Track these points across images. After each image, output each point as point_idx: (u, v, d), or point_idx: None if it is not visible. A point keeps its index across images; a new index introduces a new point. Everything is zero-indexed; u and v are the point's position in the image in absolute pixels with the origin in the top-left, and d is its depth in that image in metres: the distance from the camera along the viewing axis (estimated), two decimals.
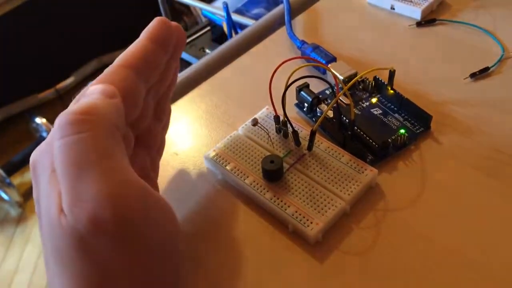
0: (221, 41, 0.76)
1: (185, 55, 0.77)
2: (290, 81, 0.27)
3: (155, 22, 0.23)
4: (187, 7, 1.34)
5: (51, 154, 0.18)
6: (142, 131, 0.23)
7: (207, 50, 0.76)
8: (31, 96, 1.53)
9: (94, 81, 0.21)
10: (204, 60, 0.39)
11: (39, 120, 1.31)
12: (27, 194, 1.33)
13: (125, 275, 0.17)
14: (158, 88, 0.24)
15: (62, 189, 0.17)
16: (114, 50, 1.63)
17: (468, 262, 0.24)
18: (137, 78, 0.21)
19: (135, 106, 0.21)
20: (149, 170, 0.24)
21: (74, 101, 0.21)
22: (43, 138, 1.28)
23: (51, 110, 1.49)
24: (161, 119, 0.26)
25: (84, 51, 1.60)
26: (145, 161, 0.24)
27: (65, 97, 1.54)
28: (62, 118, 0.18)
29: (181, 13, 1.38)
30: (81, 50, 1.58)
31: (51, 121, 1.31)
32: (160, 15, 0.84)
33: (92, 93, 0.19)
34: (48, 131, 1.30)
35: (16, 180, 1.32)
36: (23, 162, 1.32)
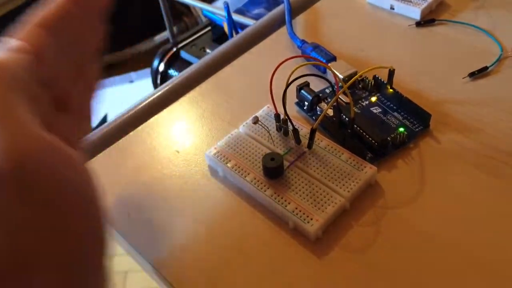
0: (222, 41, 0.76)
1: (186, 55, 0.77)
2: (290, 80, 0.28)
3: None
4: (187, 7, 1.35)
5: None
6: (60, 93, 0.22)
7: (208, 50, 0.77)
8: None
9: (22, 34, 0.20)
10: (205, 59, 0.39)
11: None
12: None
13: (29, 229, 0.16)
14: (78, 49, 0.23)
15: None
16: (114, 50, 1.64)
17: (465, 258, 0.24)
18: (50, 36, 0.20)
19: (47, 64, 0.20)
20: (70, 135, 0.21)
21: None
22: None
23: None
24: (85, 83, 0.24)
25: None
26: (64, 125, 0.22)
27: None
28: None
29: (181, 14, 1.38)
30: None
31: None
32: (161, 15, 0.84)
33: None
34: None
35: None
36: None
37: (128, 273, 1.05)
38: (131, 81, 1.41)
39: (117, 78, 1.43)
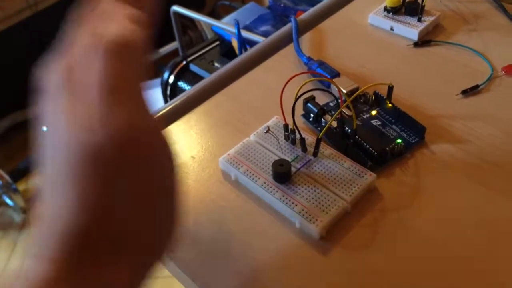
0: (229, 55, 0.79)
1: (195, 68, 0.80)
2: (299, 94, 0.31)
3: None
4: (192, 21, 1.38)
5: (76, 72, 0.19)
6: None
7: (216, 64, 0.80)
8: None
9: None
10: (218, 72, 0.42)
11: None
12: (32, 200, 1.35)
13: (127, 198, 0.18)
14: None
15: (91, 109, 0.18)
16: None
17: (456, 257, 0.27)
18: None
19: None
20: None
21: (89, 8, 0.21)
22: None
23: None
24: None
25: None
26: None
27: None
28: (103, 43, 0.19)
29: (186, 28, 1.41)
30: None
31: None
32: (170, 29, 0.87)
33: (125, 17, 0.20)
34: None
35: (21, 186, 1.35)
36: (29, 169, 1.35)
37: None
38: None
39: None
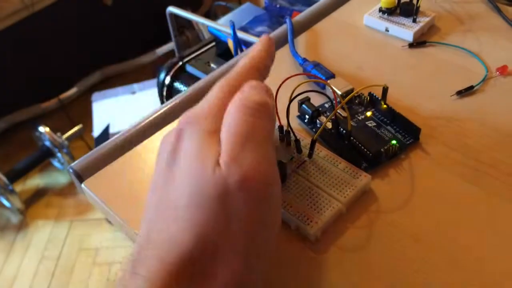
0: (226, 56, 0.79)
1: (191, 69, 0.80)
2: (293, 95, 0.31)
3: (265, 39, 0.30)
4: (189, 22, 1.38)
5: (215, 119, 0.23)
6: None
7: (213, 65, 0.80)
8: (34, 106, 1.56)
9: (242, 73, 0.27)
10: (213, 74, 0.42)
11: (42, 129, 1.33)
12: (28, 201, 1.35)
13: (242, 232, 0.21)
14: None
15: (227, 148, 0.22)
16: (116, 62, 1.67)
17: (450, 258, 0.27)
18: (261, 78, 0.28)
19: None
20: None
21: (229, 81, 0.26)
22: (45, 147, 1.28)
23: (54, 119, 1.52)
24: None
25: (88, 63, 1.63)
26: None
27: (67, 107, 1.57)
28: (242, 100, 0.23)
29: (183, 28, 1.41)
30: (85, 61, 1.62)
31: (54, 130, 1.34)
32: (167, 29, 0.87)
33: (259, 88, 0.25)
34: (50, 140, 1.32)
35: (18, 187, 1.35)
36: (26, 170, 1.35)
37: None
38: (133, 92, 1.44)
39: (119, 89, 1.46)
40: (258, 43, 0.29)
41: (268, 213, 0.23)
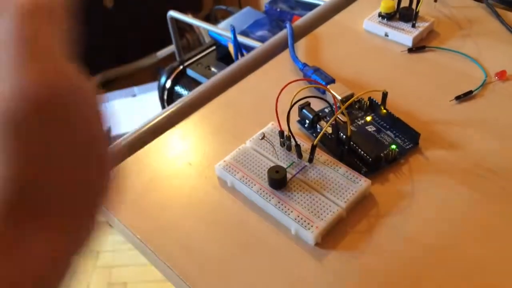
0: (226, 60, 0.80)
1: (192, 73, 0.81)
2: (294, 101, 0.31)
3: None
4: (190, 25, 1.39)
5: None
6: None
7: (213, 69, 0.80)
8: None
9: None
10: (214, 79, 0.42)
11: None
12: None
13: (50, 160, 0.17)
14: None
15: (5, 74, 0.17)
16: (117, 65, 1.67)
17: (451, 262, 0.27)
18: None
19: None
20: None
21: None
22: None
23: None
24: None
25: (87, 66, 1.63)
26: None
27: None
28: (17, 2, 0.18)
29: (184, 31, 1.42)
30: (84, 65, 1.62)
31: None
32: (167, 32, 0.88)
33: None
34: None
35: None
36: None
37: (128, 285, 1.07)
38: (134, 95, 1.44)
39: (120, 92, 1.46)
40: None
41: (85, 138, 0.18)
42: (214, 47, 0.83)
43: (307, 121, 0.35)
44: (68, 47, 0.19)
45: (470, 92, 0.37)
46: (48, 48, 0.18)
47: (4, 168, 0.17)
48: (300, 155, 0.32)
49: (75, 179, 0.18)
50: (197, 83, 0.77)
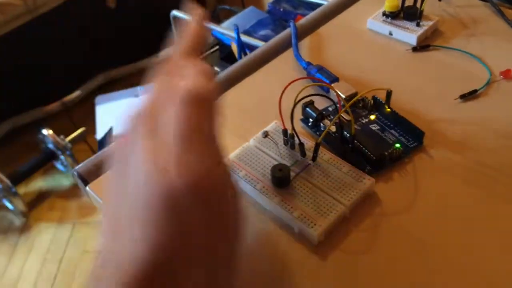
0: (229, 60, 0.79)
1: None
2: (298, 99, 0.31)
3: (197, 11, 0.26)
4: None
5: (156, 118, 0.20)
6: None
7: (216, 68, 0.80)
8: (38, 108, 1.56)
9: (182, 52, 0.24)
10: (217, 77, 0.42)
11: (46, 132, 1.34)
12: (31, 203, 1.36)
13: (196, 239, 0.19)
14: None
15: (170, 153, 0.19)
16: (120, 65, 1.67)
17: (453, 261, 0.27)
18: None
19: None
20: None
21: (166, 68, 0.23)
22: (49, 149, 1.28)
23: (57, 122, 1.53)
24: None
25: (91, 66, 1.64)
26: None
27: (71, 110, 1.57)
28: (181, 93, 0.20)
29: None
30: (88, 64, 1.62)
31: (57, 132, 1.34)
32: (167, 31, 0.88)
33: (200, 73, 0.22)
34: (54, 143, 1.32)
35: (21, 189, 1.35)
36: (29, 172, 1.35)
37: None
38: (137, 95, 1.44)
39: (123, 92, 1.46)
40: (192, 18, 0.26)
41: (224, 217, 0.21)
42: (217, 47, 0.83)
43: (311, 120, 0.35)
44: (219, 133, 0.21)
45: (475, 91, 0.37)
46: (208, 137, 0.20)
47: (153, 240, 0.18)
48: (303, 154, 0.32)
49: (212, 256, 0.20)
50: None
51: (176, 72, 0.22)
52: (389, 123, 0.35)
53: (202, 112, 0.20)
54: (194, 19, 0.26)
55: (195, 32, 0.25)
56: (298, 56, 0.42)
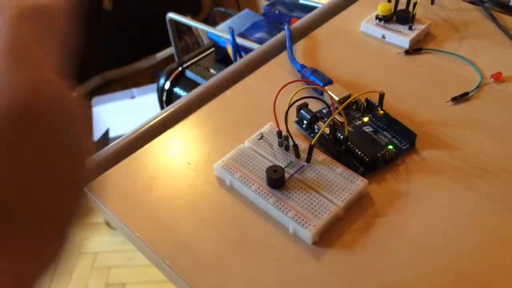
0: (225, 62, 0.80)
1: (190, 74, 0.81)
2: (292, 101, 0.31)
3: None
4: (188, 27, 1.39)
5: None
6: None
7: (212, 70, 0.81)
8: None
9: None
10: (213, 80, 0.42)
11: None
12: None
13: (22, 169, 0.17)
14: None
15: None
16: (116, 67, 1.68)
17: (446, 261, 0.28)
18: None
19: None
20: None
21: None
22: None
23: None
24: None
25: (87, 68, 1.64)
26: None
27: None
28: (14, 4, 0.18)
29: (183, 33, 1.42)
30: (84, 66, 1.62)
31: None
32: (166, 34, 0.88)
33: None
34: None
35: None
36: None
37: (126, 286, 1.07)
38: (133, 97, 1.44)
39: (118, 93, 1.46)
40: None
41: (53, 145, 0.17)
42: (213, 49, 0.83)
43: (305, 122, 0.36)
44: (61, 53, 0.19)
45: (466, 93, 0.38)
46: (37, 54, 0.18)
47: None
48: (298, 155, 0.33)
49: (47, 196, 0.17)
50: (196, 84, 0.77)
51: None
52: (382, 125, 0.35)
53: (37, 27, 0.18)
54: None
55: None
56: (292, 59, 0.42)
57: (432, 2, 0.48)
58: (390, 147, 0.33)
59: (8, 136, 0.16)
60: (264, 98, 0.38)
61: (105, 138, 1.27)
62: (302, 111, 0.35)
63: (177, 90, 0.82)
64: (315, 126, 0.35)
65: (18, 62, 0.17)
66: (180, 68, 0.82)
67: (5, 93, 0.16)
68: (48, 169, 0.17)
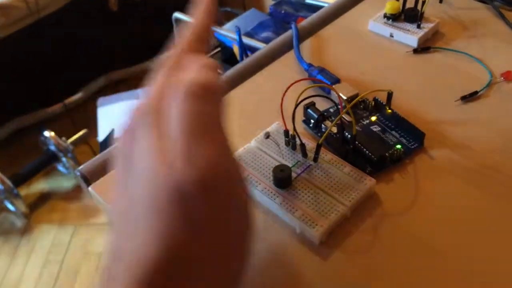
0: (231, 62, 0.80)
1: None
2: (299, 100, 0.31)
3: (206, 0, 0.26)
4: None
5: (160, 113, 0.20)
6: None
7: (218, 70, 0.80)
8: (40, 110, 1.56)
9: (185, 47, 0.23)
10: (220, 77, 0.42)
11: (47, 133, 1.34)
12: (33, 205, 1.36)
13: (207, 234, 0.19)
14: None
15: (176, 148, 0.19)
16: (121, 67, 1.68)
17: (456, 262, 0.27)
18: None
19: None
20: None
21: (168, 64, 0.22)
22: (50, 151, 1.29)
23: (59, 124, 1.53)
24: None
25: (93, 68, 1.65)
26: None
27: (72, 112, 1.58)
28: (185, 86, 0.20)
29: None
30: (90, 67, 1.63)
31: (59, 134, 1.35)
32: (169, 33, 0.88)
33: (205, 66, 0.22)
34: (55, 144, 1.33)
35: (23, 191, 1.35)
36: (31, 174, 1.35)
37: None
38: (139, 98, 1.44)
39: (124, 94, 1.46)
40: (199, 8, 0.25)
41: (233, 213, 0.20)
42: (219, 49, 0.83)
43: (312, 121, 0.35)
44: (226, 126, 0.21)
45: (476, 92, 0.37)
46: (215, 130, 0.20)
47: (164, 235, 0.18)
48: (305, 154, 0.32)
49: (223, 251, 0.20)
50: None
51: (179, 66, 0.22)
52: (390, 124, 0.35)
53: (207, 105, 0.20)
54: (200, 10, 0.25)
55: (199, 24, 0.24)
56: (299, 58, 0.42)
57: (441, 1, 0.47)
58: (398, 146, 0.33)
59: (198, 205, 0.19)
60: (271, 97, 0.37)
61: (110, 139, 1.27)
62: (309, 110, 0.35)
63: None
64: (323, 125, 0.35)
65: (199, 138, 0.19)
66: None
67: (191, 165, 0.19)
68: (225, 226, 0.20)
